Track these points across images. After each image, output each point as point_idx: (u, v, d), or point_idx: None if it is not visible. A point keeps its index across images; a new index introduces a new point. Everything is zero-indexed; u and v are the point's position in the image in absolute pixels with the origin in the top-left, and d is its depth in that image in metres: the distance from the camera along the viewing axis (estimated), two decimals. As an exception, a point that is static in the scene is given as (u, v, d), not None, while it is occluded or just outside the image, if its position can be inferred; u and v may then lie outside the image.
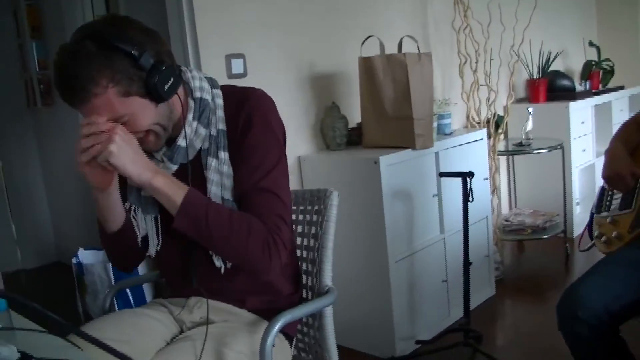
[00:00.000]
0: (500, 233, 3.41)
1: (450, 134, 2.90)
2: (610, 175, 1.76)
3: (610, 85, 4.40)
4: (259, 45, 2.50)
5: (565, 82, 4.06)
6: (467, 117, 3.39)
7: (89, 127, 1.18)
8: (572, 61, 4.58)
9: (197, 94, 1.33)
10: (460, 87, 3.32)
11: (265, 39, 2.53)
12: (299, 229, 1.60)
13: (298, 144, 2.66)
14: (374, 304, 2.50)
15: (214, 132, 1.33)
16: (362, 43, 2.63)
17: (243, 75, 2.44)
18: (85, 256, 2.70)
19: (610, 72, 4.39)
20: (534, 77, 3.94)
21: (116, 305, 1.73)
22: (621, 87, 4.34)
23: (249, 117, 1.32)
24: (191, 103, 1.32)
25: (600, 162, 2.12)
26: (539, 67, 3.94)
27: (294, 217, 1.60)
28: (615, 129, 1.95)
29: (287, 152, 1.40)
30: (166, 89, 1.22)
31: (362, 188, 2.44)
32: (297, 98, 2.67)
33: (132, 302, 2.54)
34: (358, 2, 2.91)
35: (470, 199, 2.45)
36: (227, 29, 2.39)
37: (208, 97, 1.34)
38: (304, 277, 1.57)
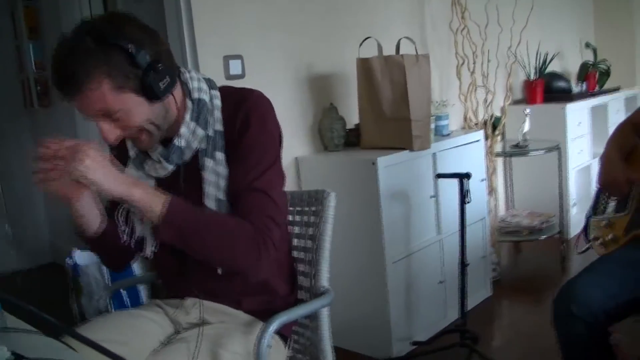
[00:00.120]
0: (497, 234, 3.41)
1: (448, 135, 2.90)
2: (606, 182, 1.76)
3: (606, 86, 4.42)
4: (257, 46, 2.50)
5: (562, 84, 4.07)
6: (465, 119, 3.39)
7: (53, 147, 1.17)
8: (568, 62, 4.59)
9: (195, 95, 1.33)
10: (458, 88, 3.32)
11: (263, 40, 2.53)
12: (296, 229, 1.59)
13: (296, 145, 2.66)
14: (371, 305, 2.50)
15: (211, 132, 1.33)
16: (360, 44, 2.63)
17: (241, 76, 2.44)
18: (81, 257, 2.69)
19: (606, 74, 4.40)
20: (531, 78, 3.95)
21: (112, 307, 1.72)
22: (617, 89, 4.36)
23: (246, 118, 1.32)
24: (189, 103, 1.32)
25: (596, 164, 2.13)
26: (536, 69, 3.95)
27: (291, 218, 1.60)
28: (611, 130, 1.95)
29: (284, 153, 1.40)
30: (161, 88, 1.22)
31: (359, 189, 2.44)
32: (295, 99, 2.67)
33: (127, 303, 2.53)
34: (355, 3, 2.91)
35: (468, 200, 2.45)
36: (225, 29, 2.39)
37: (206, 97, 1.34)
38: (300, 278, 1.56)
